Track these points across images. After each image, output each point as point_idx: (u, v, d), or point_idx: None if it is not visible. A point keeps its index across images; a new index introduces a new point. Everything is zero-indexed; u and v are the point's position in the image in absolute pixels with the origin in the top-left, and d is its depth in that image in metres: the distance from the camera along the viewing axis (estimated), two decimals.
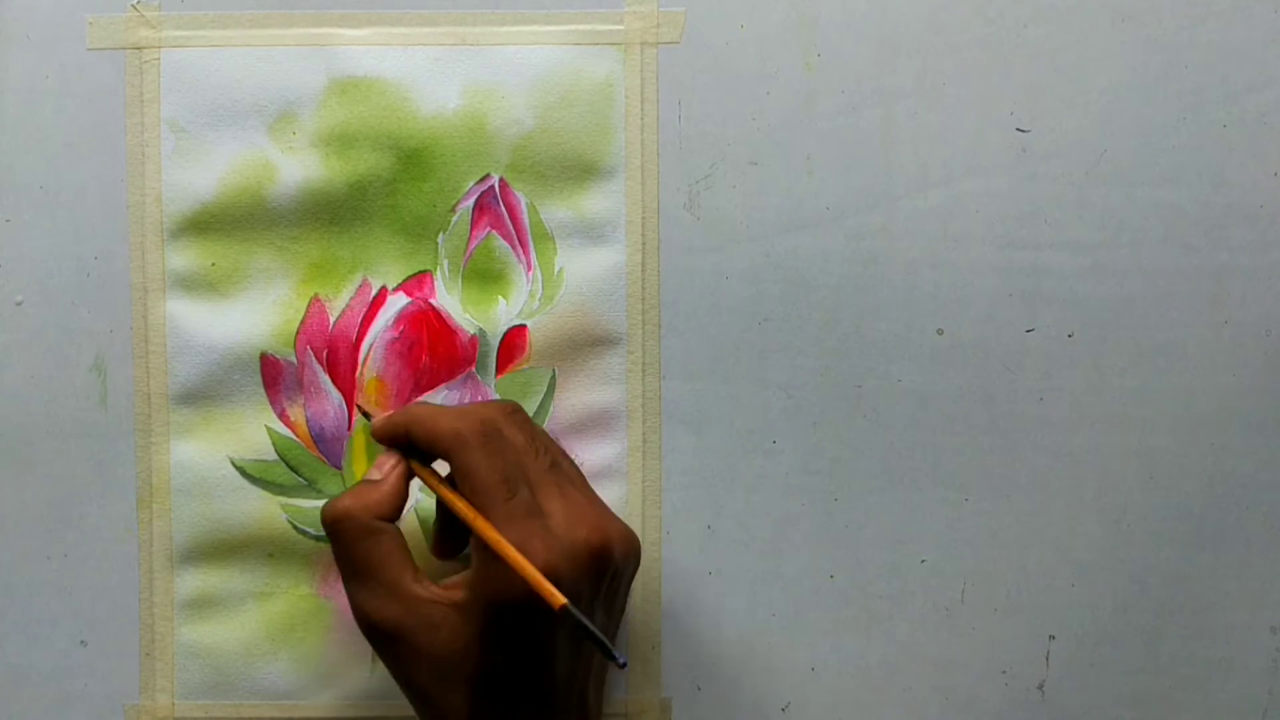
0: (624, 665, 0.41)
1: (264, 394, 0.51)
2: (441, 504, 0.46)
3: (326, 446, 0.51)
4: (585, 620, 0.42)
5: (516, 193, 0.51)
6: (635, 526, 0.51)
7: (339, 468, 0.51)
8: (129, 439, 0.51)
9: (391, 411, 0.48)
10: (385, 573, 0.44)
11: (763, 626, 0.52)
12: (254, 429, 0.51)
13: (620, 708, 0.51)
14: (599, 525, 0.44)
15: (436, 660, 0.44)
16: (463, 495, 0.44)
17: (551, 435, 0.51)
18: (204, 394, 0.51)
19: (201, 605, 0.51)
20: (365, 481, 0.46)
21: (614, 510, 0.47)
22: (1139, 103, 0.51)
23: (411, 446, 0.46)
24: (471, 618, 0.43)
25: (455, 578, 0.45)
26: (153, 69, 0.51)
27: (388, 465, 0.46)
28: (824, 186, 0.51)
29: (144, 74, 0.51)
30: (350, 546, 0.45)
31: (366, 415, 0.50)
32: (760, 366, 0.51)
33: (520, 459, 0.44)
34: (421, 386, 0.51)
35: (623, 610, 0.47)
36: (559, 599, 0.41)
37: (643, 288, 0.51)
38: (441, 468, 0.46)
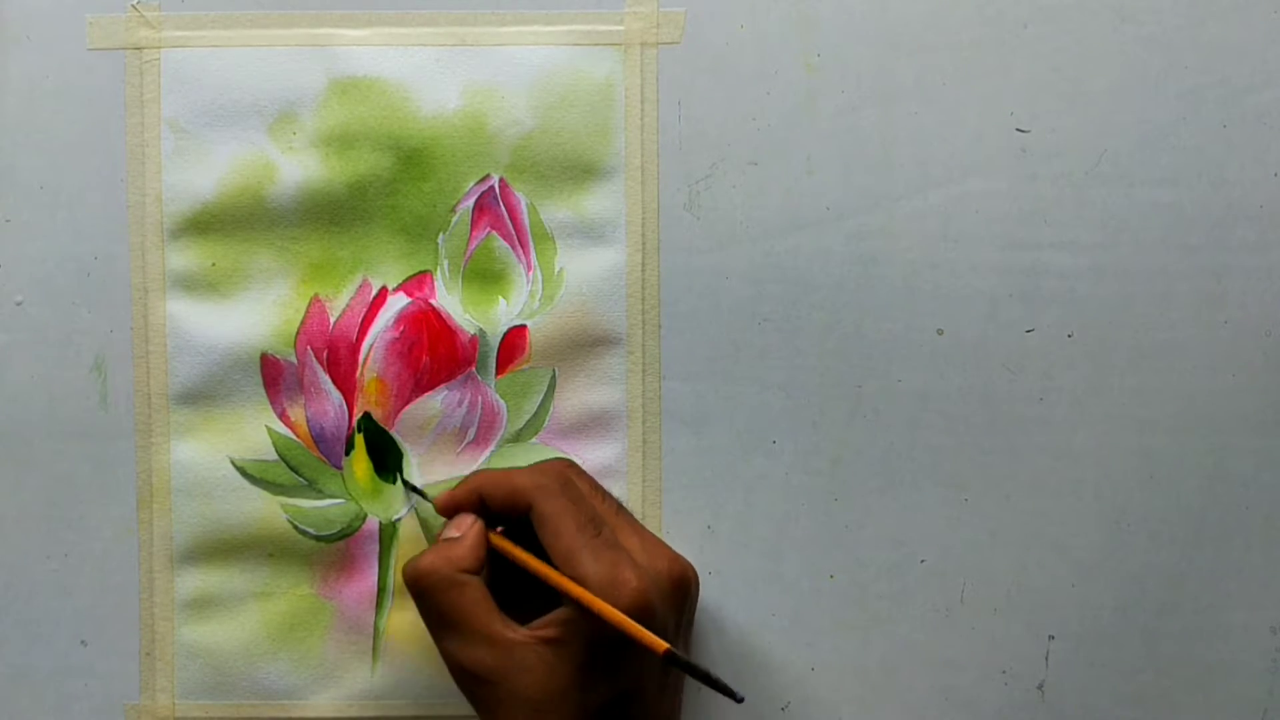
0: (742, 700, 0.41)
1: (264, 394, 0.51)
2: (503, 568, 0.47)
3: (327, 446, 0.51)
4: (691, 662, 0.43)
5: (516, 193, 0.51)
6: None
7: (339, 468, 0.51)
8: (129, 439, 0.51)
9: (453, 487, 0.48)
10: (474, 620, 0.45)
11: (763, 626, 0.52)
12: (254, 429, 0.51)
13: None
14: (674, 556, 0.47)
15: (533, 702, 0.44)
16: (545, 542, 0.45)
17: (551, 435, 0.51)
18: (204, 394, 0.51)
19: (201, 605, 0.51)
20: (444, 540, 0.46)
21: None
22: (1139, 103, 0.51)
23: (482, 510, 0.47)
24: (567, 657, 0.44)
25: (546, 618, 0.45)
26: (153, 69, 0.51)
27: (466, 523, 0.47)
28: (824, 186, 0.51)
29: (144, 74, 0.51)
30: (437, 598, 0.45)
31: (422, 494, 0.50)
32: (760, 366, 0.51)
33: (592, 503, 0.47)
34: (421, 386, 0.51)
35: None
36: (661, 644, 0.42)
37: (643, 288, 0.51)
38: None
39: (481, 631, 0.45)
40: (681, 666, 0.42)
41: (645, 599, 0.43)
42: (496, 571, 0.47)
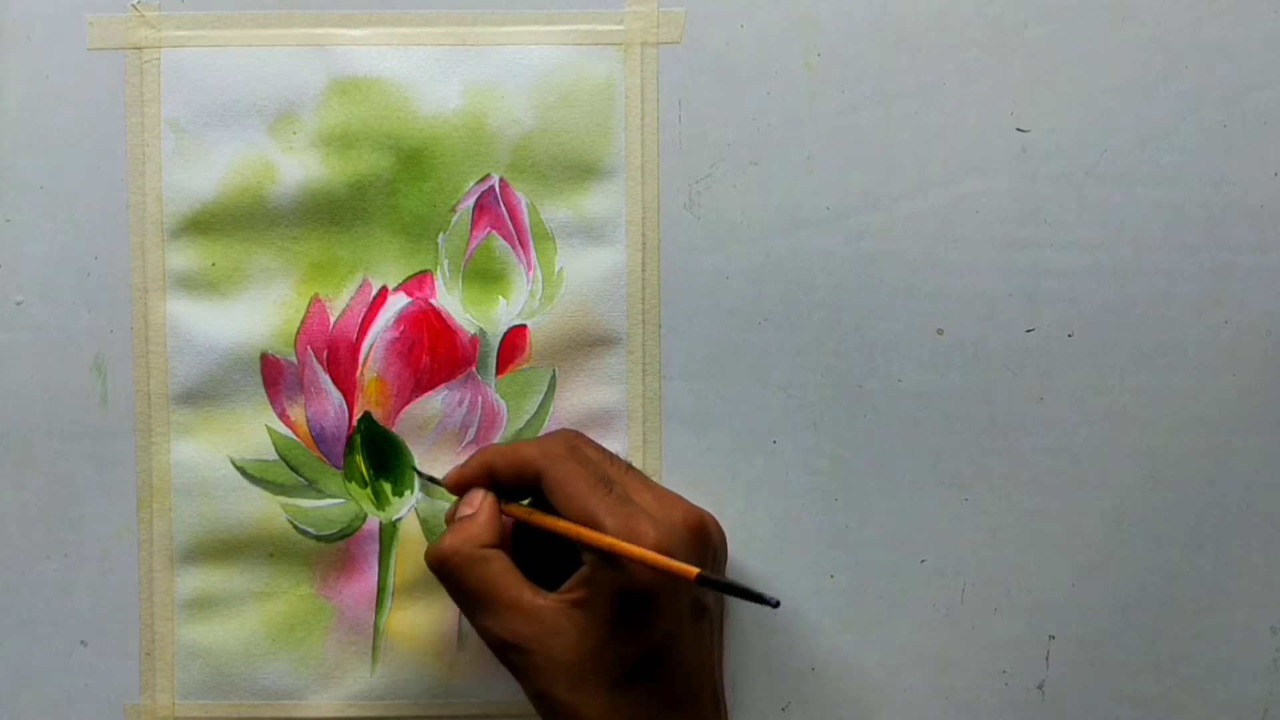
0: (777, 605, 0.41)
1: (264, 394, 0.51)
2: (522, 538, 0.47)
3: (327, 446, 0.51)
4: (722, 579, 0.43)
5: (517, 193, 0.51)
6: None
7: (339, 467, 0.51)
8: (129, 439, 0.51)
9: (460, 466, 0.48)
10: (502, 592, 0.45)
11: (763, 626, 0.52)
12: (254, 429, 0.51)
13: None
14: (689, 507, 0.47)
15: (571, 666, 0.44)
16: (559, 507, 0.45)
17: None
18: (204, 394, 0.51)
19: (201, 605, 0.51)
20: (459, 520, 0.46)
21: None
22: (1139, 103, 0.51)
23: (492, 486, 0.47)
24: (596, 615, 0.44)
25: (570, 581, 0.45)
26: (153, 69, 0.51)
27: (477, 498, 0.47)
28: (824, 186, 0.51)
29: (144, 74, 0.51)
30: (463, 577, 0.45)
31: (436, 481, 0.50)
32: (760, 366, 0.51)
33: (601, 465, 0.47)
34: (421, 386, 0.51)
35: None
36: (690, 570, 0.42)
37: (643, 288, 0.51)
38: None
39: (510, 602, 0.45)
40: (715, 585, 0.43)
41: (662, 549, 0.43)
42: (516, 547, 0.47)
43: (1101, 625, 0.52)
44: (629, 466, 0.48)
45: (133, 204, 0.51)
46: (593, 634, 0.44)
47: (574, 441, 0.47)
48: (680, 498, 0.48)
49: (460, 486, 0.47)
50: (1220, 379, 0.51)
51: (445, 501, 0.51)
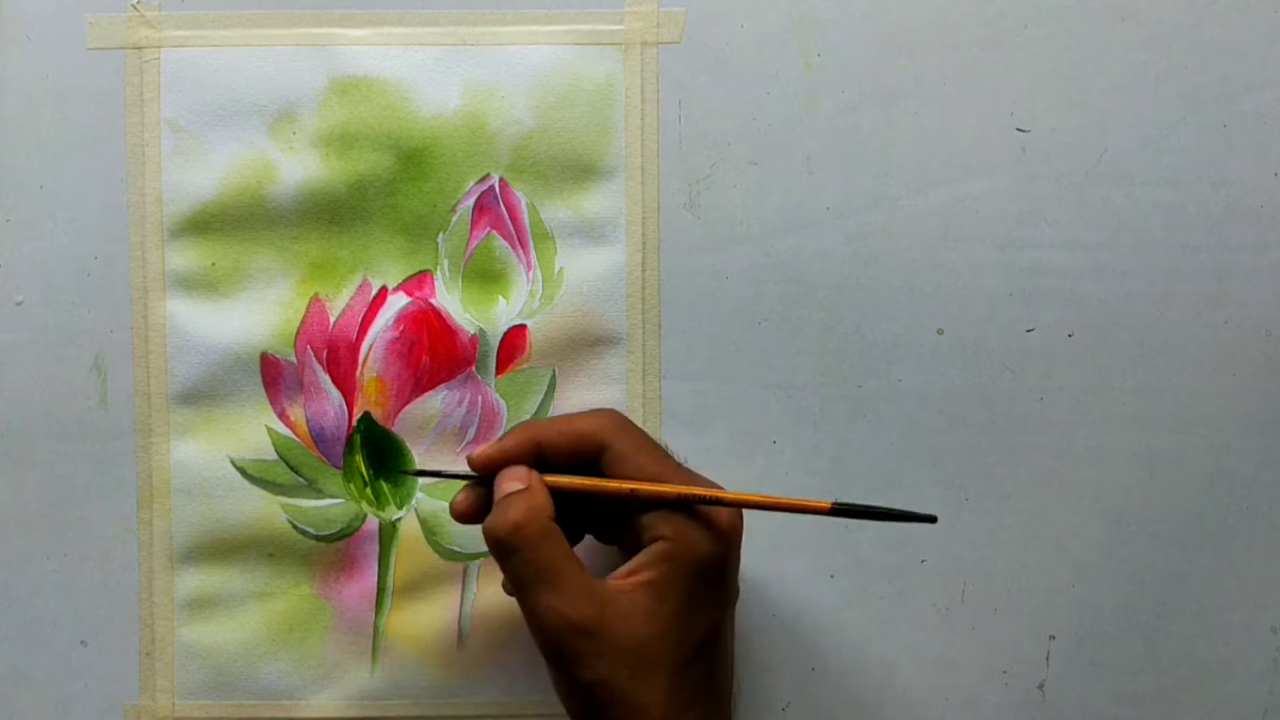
0: (935, 520, 0.43)
1: (264, 394, 0.51)
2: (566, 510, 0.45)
3: (326, 446, 0.51)
4: (865, 505, 0.43)
5: (516, 193, 0.51)
6: None
7: (339, 467, 0.51)
8: (129, 439, 0.51)
9: (499, 439, 0.46)
10: (571, 571, 0.43)
11: (763, 626, 0.52)
12: (254, 429, 0.51)
13: None
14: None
15: (634, 649, 0.43)
16: (628, 477, 0.44)
17: None
18: (204, 394, 0.51)
19: (201, 605, 0.51)
20: (510, 495, 0.44)
21: None
22: (1139, 103, 0.51)
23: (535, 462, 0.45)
24: (667, 596, 0.43)
25: (636, 562, 0.44)
26: (153, 69, 0.51)
27: (523, 473, 0.45)
28: (824, 186, 0.51)
29: (144, 74, 0.51)
30: (535, 552, 0.43)
31: (440, 474, 0.48)
32: (760, 366, 0.51)
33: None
34: (421, 386, 0.51)
35: None
36: (824, 505, 0.43)
37: (643, 288, 0.51)
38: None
39: (579, 582, 0.43)
40: (858, 512, 0.43)
41: (738, 517, 0.44)
42: None
43: (1101, 625, 0.52)
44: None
45: (132, 204, 0.51)
46: (661, 617, 0.43)
47: (625, 418, 0.46)
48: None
49: (497, 463, 0.45)
50: (1220, 379, 0.51)
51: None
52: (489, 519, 0.44)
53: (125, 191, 0.51)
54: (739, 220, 0.51)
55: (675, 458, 0.46)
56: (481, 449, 0.45)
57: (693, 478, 0.45)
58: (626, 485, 0.44)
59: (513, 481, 0.44)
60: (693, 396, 0.51)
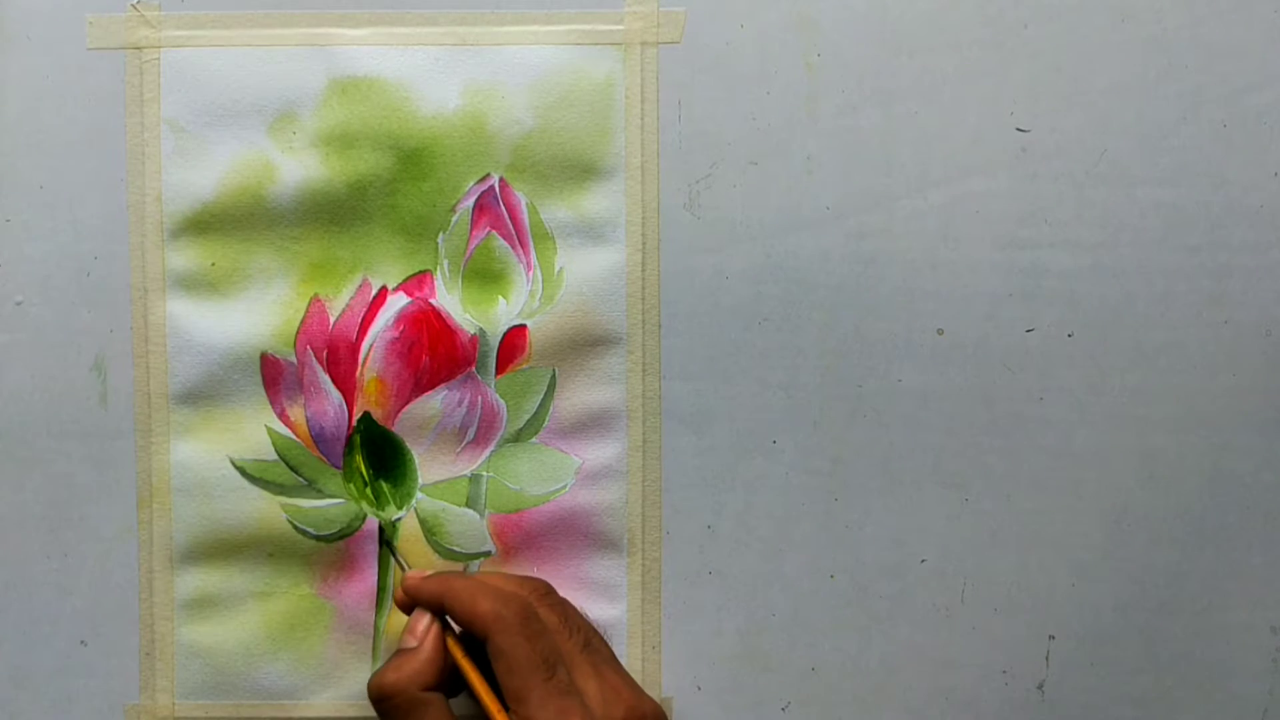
0: None
1: (264, 394, 0.51)
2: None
3: (326, 446, 0.51)
4: None
5: (516, 193, 0.51)
6: (635, 526, 0.51)
7: (339, 467, 0.51)
8: (129, 439, 0.51)
9: (428, 573, 0.49)
10: None
11: (763, 626, 0.52)
12: (254, 429, 0.51)
13: None
14: (634, 704, 0.45)
15: None
16: (498, 676, 0.45)
17: (551, 435, 0.51)
18: (204, 394, 0.51)
19: (201, 605, 0.51)
20: (402, 651, 0.47)
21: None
22: (1139, 103, 0.51)
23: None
24: None
25: None
26: (153, 69, 0.51)
27: (421, 628, 0.47)
28: (824, 186, 0.51)
29: (144, 74, 0.51)
30: (402, 715, 0.45)
31: (402, 566, 0.50)
32: (760, 366, 0.51)
33: (555, 640, 0.46)
34: (421, 386, 0.51)
35: None
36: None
37: (643, 288, 0.51)
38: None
39: None
40: None
41: None
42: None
43: (1101, 625, 0.52)
44: (588, 641, 0.47)
45: (132, 204, 0.51)
46: None
47: (532, 608, 0.46)
48: (629, 689, 0.46)
49: (413, 601, 0.48)
50: (1220, 379, 0.51)
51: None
52: (373, 674, 0.46)
53: (125, 191, 0.51)
54: (739, 220, 0.51)
55: (598, 633, 0.47)
56: (411, 577, 0.48)
57: (561, 700, 0.44)
58: (480, 691, 0.46)
59: (409, 637, 0.47)
60: (693, 396, 0.51)
